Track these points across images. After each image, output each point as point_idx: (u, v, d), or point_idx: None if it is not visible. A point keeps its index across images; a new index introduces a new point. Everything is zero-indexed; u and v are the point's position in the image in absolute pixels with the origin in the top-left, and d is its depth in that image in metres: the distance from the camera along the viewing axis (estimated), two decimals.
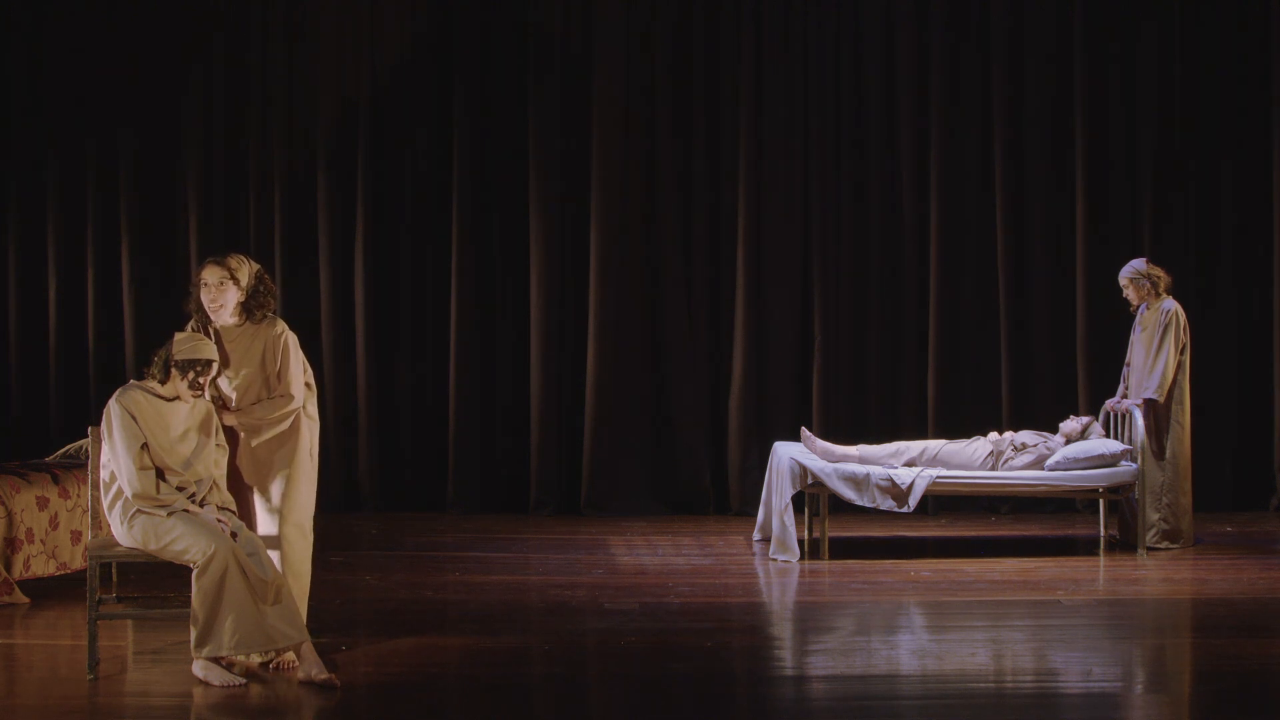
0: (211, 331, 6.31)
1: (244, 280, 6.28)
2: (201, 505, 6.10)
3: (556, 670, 6.40)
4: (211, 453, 6.21)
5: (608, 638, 6.82)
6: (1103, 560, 8.82)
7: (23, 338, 10.64)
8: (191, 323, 6.35)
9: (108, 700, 5.81)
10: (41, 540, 7.63)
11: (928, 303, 10.60)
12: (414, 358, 10.68)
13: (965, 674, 6.27)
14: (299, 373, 6.35)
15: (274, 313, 6.41)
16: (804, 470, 8.69)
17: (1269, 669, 6.34)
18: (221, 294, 6.25)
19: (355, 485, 10.59)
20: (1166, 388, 9.00)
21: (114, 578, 6.83)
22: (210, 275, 6.26)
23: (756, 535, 9.19)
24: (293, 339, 6.36)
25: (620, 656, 6.52)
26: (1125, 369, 9.37)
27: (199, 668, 5.95)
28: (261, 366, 6.30)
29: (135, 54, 10.52)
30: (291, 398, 6.29)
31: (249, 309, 6.31)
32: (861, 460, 8.87)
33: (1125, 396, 9.25)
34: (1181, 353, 9.07)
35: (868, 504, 8.72)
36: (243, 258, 6.34)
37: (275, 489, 6.30)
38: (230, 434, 6.33)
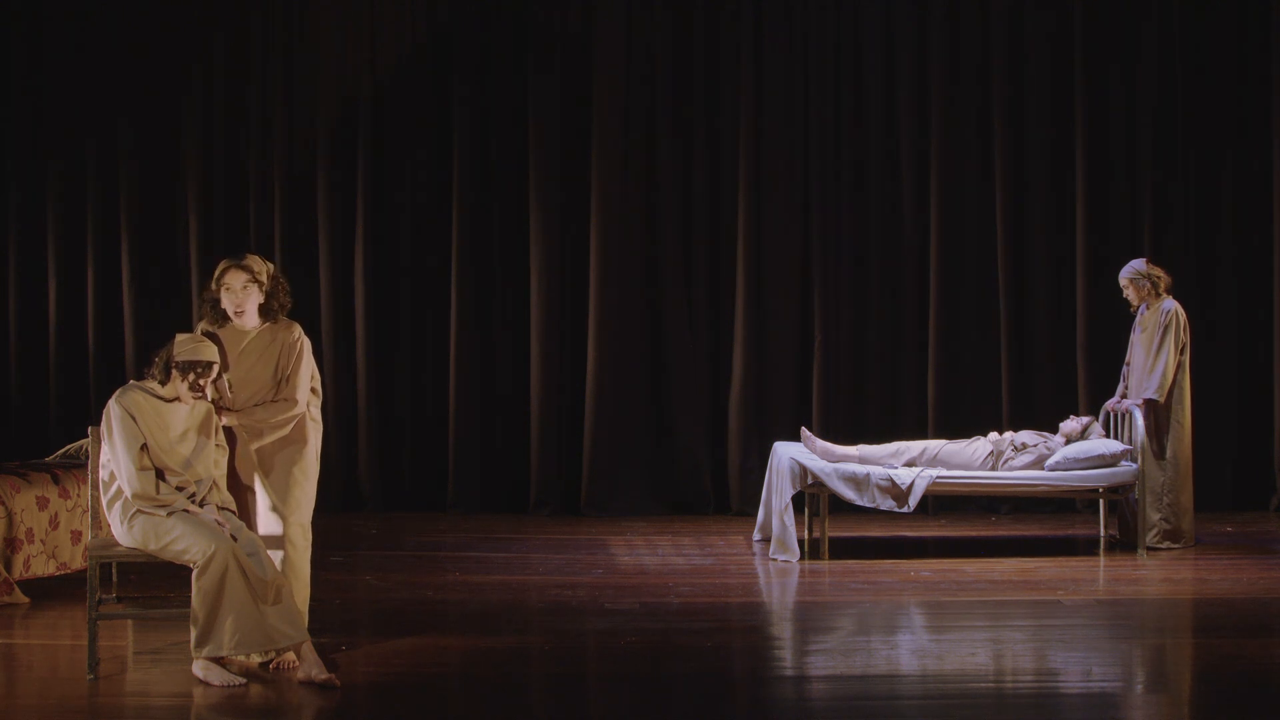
0: (217, 335, 6.29)
1: (264, 281, 6.26)
2: (201, 505, 6.10)
3: (556, 670, 6.40)
4: (211, 453, 6.21)
5: (608, 638, 6.82)
6: (1103, 560, 8.82)
7: (23, 338, 10.64)
8: (201, 325, 6.34)
9: (108, 700, 5.81)
10: (41, 540, 7.63)
11: (928, 302, 10.59)
12: (414, 357, 10.67)
13: (965, 674, 6.27)
14: (307, 379, 6.32)
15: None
16: (804, 470, 8.68)
17: (1269, 669, 6.34)
18: (245, 298, 6.21)
19: (355, 485, 10.59)
20: (1166, 388, 9.00)
21: (114, 578, 6.83)
22: (234, 279, 6.20)
23: (756, 535, 9.19)
24: (307, 345, 6.34)
25: (620, 656, 6.51)
26: (1125, 369, 9.37)
27: (199, 668, 5.95)
28: (274, 370, 6.28)
29: (135, 54, 10.51)
30: (295, 403, 6.27)
31: (268, 310, 6.29)
32: (861, 460, 8.86)
33: (1125, 396, 9.25)
34: (1181, 353, 9.07)
35: (868, 504, 8.72)
36: (260, 258, 6.30)
37: (279, 490, 6.28)
38: (230, 434, 6.32)
